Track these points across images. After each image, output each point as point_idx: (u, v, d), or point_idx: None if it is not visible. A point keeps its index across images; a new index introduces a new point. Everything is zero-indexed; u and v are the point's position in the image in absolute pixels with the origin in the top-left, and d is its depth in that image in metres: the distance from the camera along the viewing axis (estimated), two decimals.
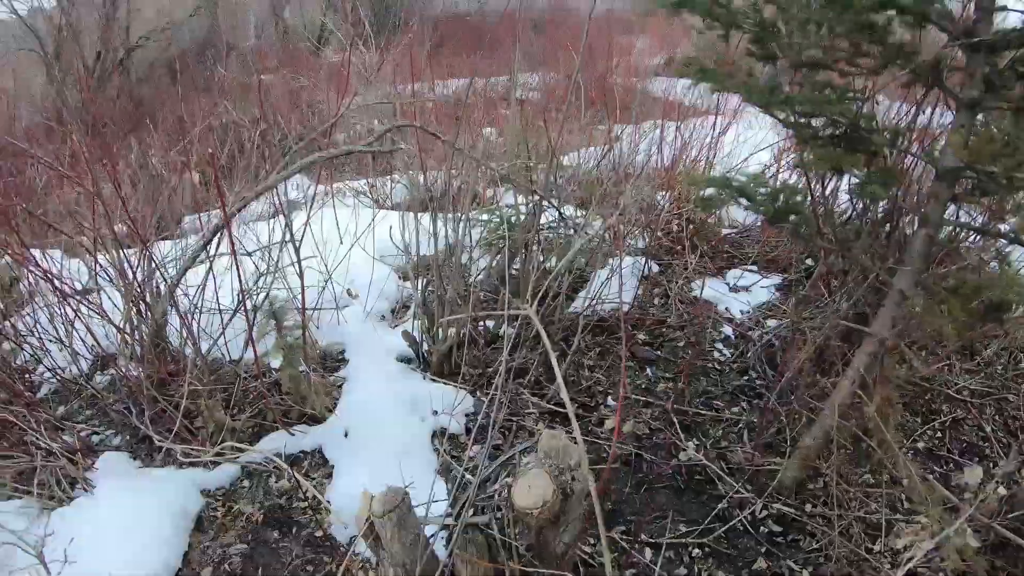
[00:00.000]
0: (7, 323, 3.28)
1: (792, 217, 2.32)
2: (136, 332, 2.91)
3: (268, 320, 2.70)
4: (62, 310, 3.04)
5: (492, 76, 10.37)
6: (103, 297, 3.02)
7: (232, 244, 2.40)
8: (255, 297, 2.88)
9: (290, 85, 10.28)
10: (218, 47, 19.80)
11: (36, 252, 3.13)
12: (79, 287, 3.18)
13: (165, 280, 2.91)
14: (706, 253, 4.34)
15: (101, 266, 3.02)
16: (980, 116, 2.09)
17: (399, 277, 3.89)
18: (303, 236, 3.02)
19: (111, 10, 16.57)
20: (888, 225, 2.71)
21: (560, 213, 3.59)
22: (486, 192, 4.92)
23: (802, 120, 2.10)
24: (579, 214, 3.86)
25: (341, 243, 3.92)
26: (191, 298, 2.96)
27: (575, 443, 1.77)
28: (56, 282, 2.81)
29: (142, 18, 17.92)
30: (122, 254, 2.83)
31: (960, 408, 3.13)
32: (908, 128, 2.45)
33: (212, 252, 2.95)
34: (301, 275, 2.75)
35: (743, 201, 2.27)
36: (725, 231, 4.76)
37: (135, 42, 16.90)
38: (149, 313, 2.86)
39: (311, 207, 3.24)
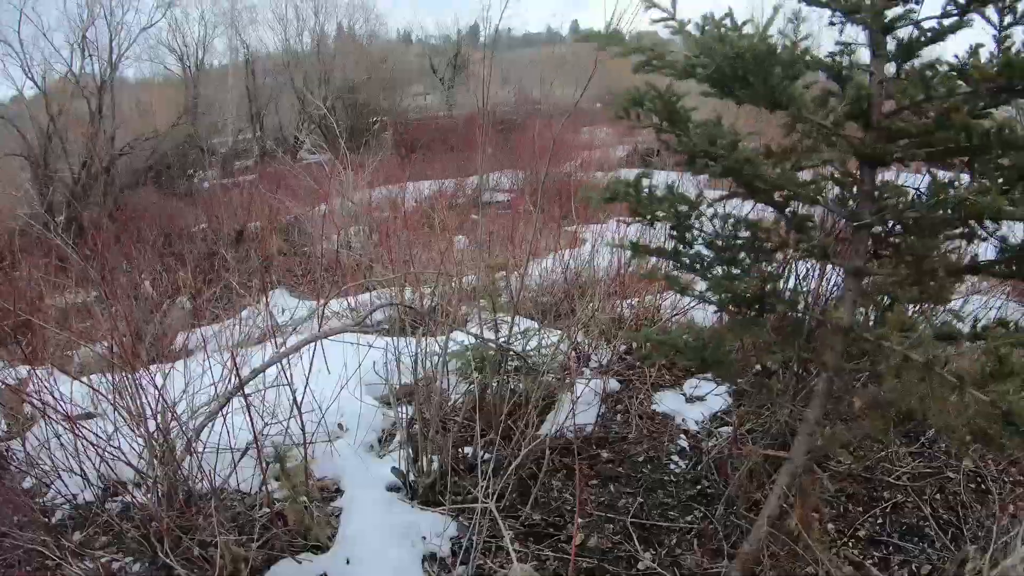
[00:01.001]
0: (19, 448, 3.61)
1: (717, 366, 2.77)
2: (152, 468, 3.26)
3: (275, 463, 3.10)
4: (70, 436, 3.30)
5: (463, 176, 10.92)
6: (104, 421, 3.37)
7: (247, 404, 2.81)
8: (262, 440, 3.27)
9: (269, 200, 10.77)
10: (199, 151, 20.46)
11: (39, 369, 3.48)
12: (80, 410, 3.53)
13: (179, 424, 3.30)
14: (664, 364, 4.78)
15: (98, 389, 3.39)
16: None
17: (383, 405, 4.29)
18: (292, 374, 3.44)
19: (98, 119, 17.15)
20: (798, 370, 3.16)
21: (522, 358, 4.02)
22: (460, 309, 5.35)
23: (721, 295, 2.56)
24: (542, 331, 4.34)
25: (329, 372, 4.33)
26: (204, 441, 3.34)
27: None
28: (60, 406, 3.17)
29: (127, 126, 18.57)
30: (134, 383, 3.20)
31: (900, 493, 3.52)
32: (809, 292, 2.93)
33: (223, 400, 3.34)
34: (303, 426, 3.15)
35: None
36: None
37: (120, 150, 17.50)
38: (168, 457, 3.23)
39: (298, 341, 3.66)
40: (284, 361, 3.47)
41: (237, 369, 3.02)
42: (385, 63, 23.94)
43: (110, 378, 3.49)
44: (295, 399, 3.24)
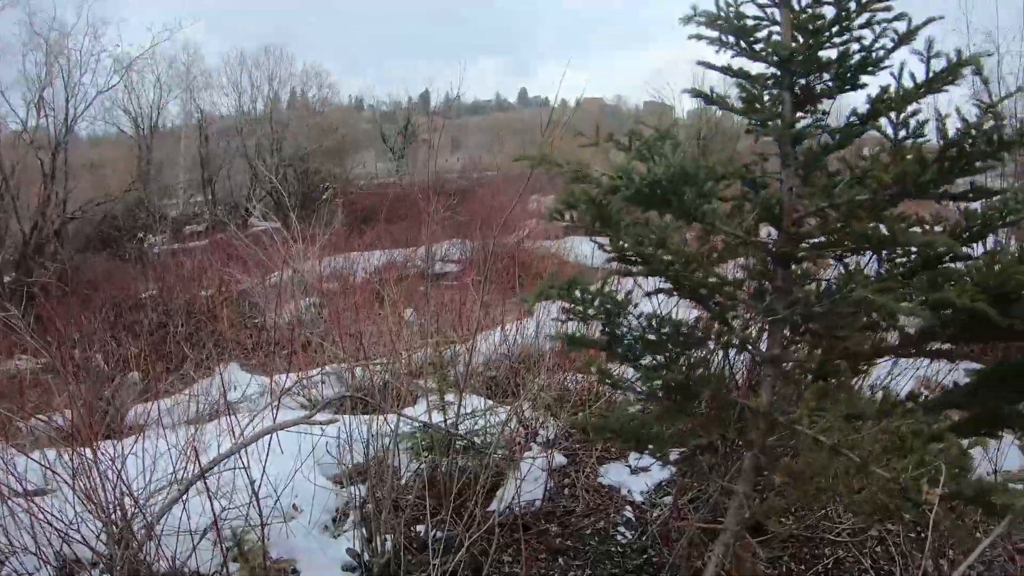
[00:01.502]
0: None
1: (652, 446, 2.97)
2: (111, 549, 3.31)
3: (233, 546, 3.19)
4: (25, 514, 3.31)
5: (413, 246, 11.09)
6: (60, 499, 3.40)
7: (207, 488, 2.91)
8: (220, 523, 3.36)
9: (220, 270, 10.80)
10: (150, 215, 20.41)
11: None
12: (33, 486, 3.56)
13: (138, 506, 3.37)
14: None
15: (53, 468, 3.42)
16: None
17: (337, 484, 4.39)
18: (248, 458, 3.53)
19: (50, 182, 17.08)
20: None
21: (469, 440, 4.18)
22: (409, 387, 5.49)
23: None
24: (490, 409, 4.50)
25: (282, 452, 4.42)
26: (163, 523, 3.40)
27: None
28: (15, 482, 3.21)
29: (79, 188, 18.51)
30: (90, 462, 3.26)
31: (841, 549, 3.71)
32: (733, 376, 3.15)
33: (183, 488, 3.42)
34: (259, 510, 3.25)
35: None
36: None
37: (72, 214, 17.41)
38: (128, 539, 3.30)
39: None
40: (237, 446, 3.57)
41: (197, 455, 3.12)
42: (337, 131, 24.28)
43: (65, 455, 3.53)
44: (252, 485, 3.34)
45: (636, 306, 2.65)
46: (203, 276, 11.92)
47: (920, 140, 2.52)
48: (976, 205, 2.78)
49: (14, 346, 7.88)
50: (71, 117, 18.05)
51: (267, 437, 3.71)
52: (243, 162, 23.38)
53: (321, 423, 3.90)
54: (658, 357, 2.77)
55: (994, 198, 2.82)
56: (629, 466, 4.74)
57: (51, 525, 3.26)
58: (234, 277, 10.70)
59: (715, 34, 2.77)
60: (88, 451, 3.41)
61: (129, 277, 14.14)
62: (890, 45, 2.72)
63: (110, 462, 3.33)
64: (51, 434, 4.14)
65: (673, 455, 3.51)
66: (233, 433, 3.93)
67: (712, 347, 2.80)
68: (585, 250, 7.36)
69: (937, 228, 2.81)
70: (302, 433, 4.29)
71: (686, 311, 3.39)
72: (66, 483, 3.43)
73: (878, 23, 2.70)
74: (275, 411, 5.10)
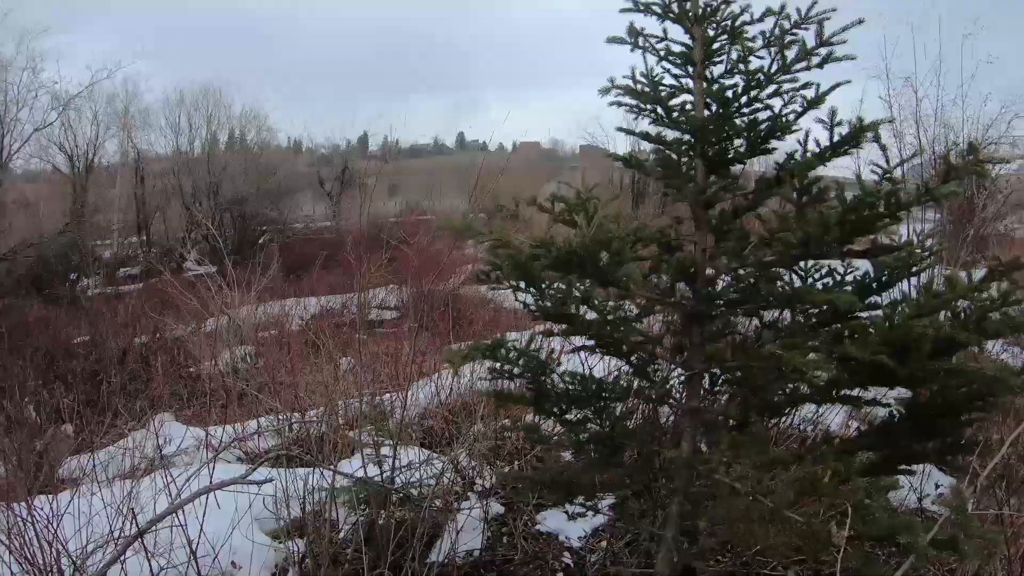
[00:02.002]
0: None
1: (582, 496, 3.06)
2: None
3: None
4: None
5: (349, 293, 11.07)
6: None
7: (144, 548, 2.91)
8: None
9: (154, 317, 10.66)
10: (83, 257, 20.00)
11: None
12: None
13: (74, 564, 3.33)
14: None
15: None
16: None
17: (275, 540, 4.37)
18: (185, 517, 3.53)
19: None
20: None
21: (404, 492, 4.23)
22: (346, 438, 5.50)
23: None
24: (426, 459, 4.55)
25: (219, 507, 4.40)
26: None
27: None
28: None
29: (12, 230, 18.08)
30: (24, 519, 3.22)
31: None
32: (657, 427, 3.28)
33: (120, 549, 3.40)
34: (198, 570, 3.25)
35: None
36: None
37: (3, 255, 17.00)
38: None
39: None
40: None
41: (135, 515, 3.11)
42: (275, 174, 24.19)
43: None
44: (190, 545, 3.34)
45: (560, 364, 2.76)
46: (137, 323, 11.73)
47: (822, 204, 2.69)
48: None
49: None
50: (6, 154, 17.70)
51: (206, 495, 3.70)
52: (179, 204, 23.07)
53: (259, 482, 3.91)
54: (583, 411, 2.88)
55: (899, 252, 3.00)
56: (567, 512, 4.80)
57: None
58: (168, 324, 10.55)
59: (633, 102, 2.92)
60: (22, 508, 3.38)
61: (62, 323, 13.83)
62: (800, 110, 2.91)
63: (46, 520, 3.30)
64: None
65: (608, 501, 3.62)
66: (169, 491, 3.90)
67: (633, 401, 2.92)
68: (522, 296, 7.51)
69: (849, 277, 3.01)
70: (239, 492, 4.29)
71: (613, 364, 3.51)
72: (1, 542, 3.39)
73: (786, 92, 2.89)
74: (212, 467, 5.08)
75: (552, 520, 4.69)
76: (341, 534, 4.18)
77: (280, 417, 5.68)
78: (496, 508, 4.81)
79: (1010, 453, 4.64)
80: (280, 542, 4.38)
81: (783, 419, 4.23)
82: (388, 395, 5.58)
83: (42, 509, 3.40)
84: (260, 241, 21.41)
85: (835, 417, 5.05)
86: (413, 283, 9.16)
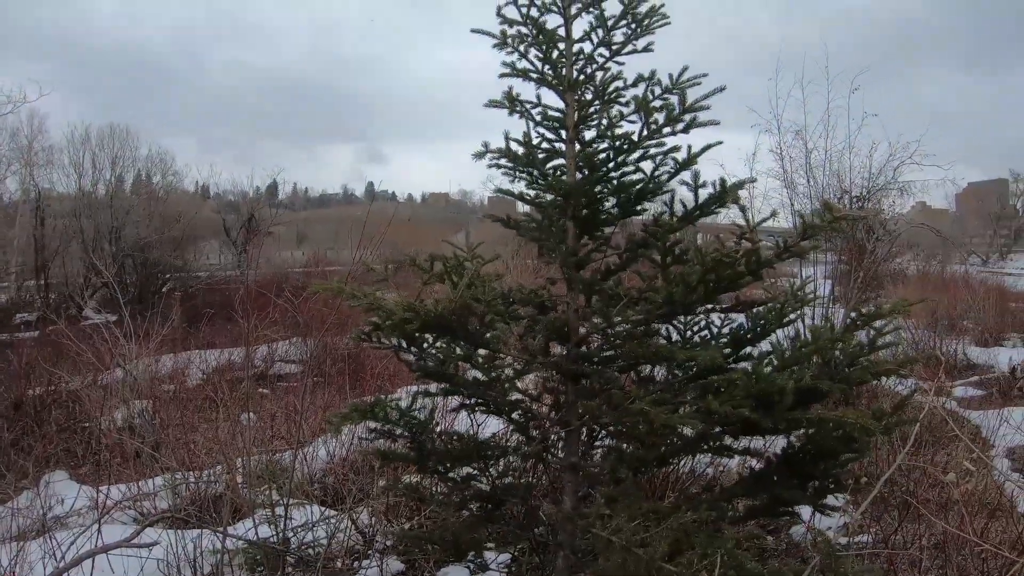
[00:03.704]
0: None
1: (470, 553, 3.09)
2: None
3: None
4: None
5: (252, 345, 10.79)
6: None
7: None
8: None
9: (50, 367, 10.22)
10: None
11: None
12: None
13: None
14: None
15: None
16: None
17: None
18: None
19: None
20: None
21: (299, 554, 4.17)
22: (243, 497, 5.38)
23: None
24: (324, 516, 4.49)
25: (113, 572, 4.25)
26: None
27: None
28: None
29: None
30: None
31: None
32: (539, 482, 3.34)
33: None
34: None
35: None
36: None
37: None
38: None
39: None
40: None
41: None
42: (180, 220, 23.59)
43: None
44: None
45: (437, 425, 2.80)
46: (31, 373, 11.24)
47: (685, 264, 2.81)
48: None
49: None
50: None
51: (91, 559, 3.58)
52: (80, 248, 22.25)
53: (145, 545, 3.81)
54: (466, 469, 2.91)
55: (768, 304, 3.14)
56: (468, 566, 4.78)
57: None
58: (64, 377, 10.13)
59: (510, 165, 3.01)
60: None
61: None
62: (671, 171, 3.02)
63: None
64: None
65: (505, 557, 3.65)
66: (55, 555, 3.74)
67: (515, 457, 2.97)
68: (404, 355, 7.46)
69: (726, 329, 3.14)
70: (127, 556, 4.16)
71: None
72: None
73: (654, 156, 3.01)
74: (99, 528, 4.92)
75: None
76: None
77: (176, 476, 5.52)
78: (396, 566, 4.76)
79: (902, 485, 4.87)
80: None
81: (669, 467, 4.32)
82: (287, 453, 5.48)
83: None
84: (163, 289, 20.83)
85: (733, 460, 5.17)
86: (314, 335, 9.01)
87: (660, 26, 3.21)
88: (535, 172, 3.01)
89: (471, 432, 2.91)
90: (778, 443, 3.19)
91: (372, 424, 2.88)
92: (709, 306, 2.89)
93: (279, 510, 4.38)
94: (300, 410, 4.70)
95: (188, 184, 30.29)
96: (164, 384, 8.79)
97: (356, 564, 4.41)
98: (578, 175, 2.98)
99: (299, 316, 8.91)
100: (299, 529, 4.32)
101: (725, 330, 3.18)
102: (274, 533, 4.26)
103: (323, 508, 4.88)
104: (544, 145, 3.08)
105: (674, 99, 3.02)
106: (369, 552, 4.81)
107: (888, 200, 12.55)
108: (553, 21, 3.21)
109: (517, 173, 3.02)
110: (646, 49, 3.23)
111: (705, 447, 3.04)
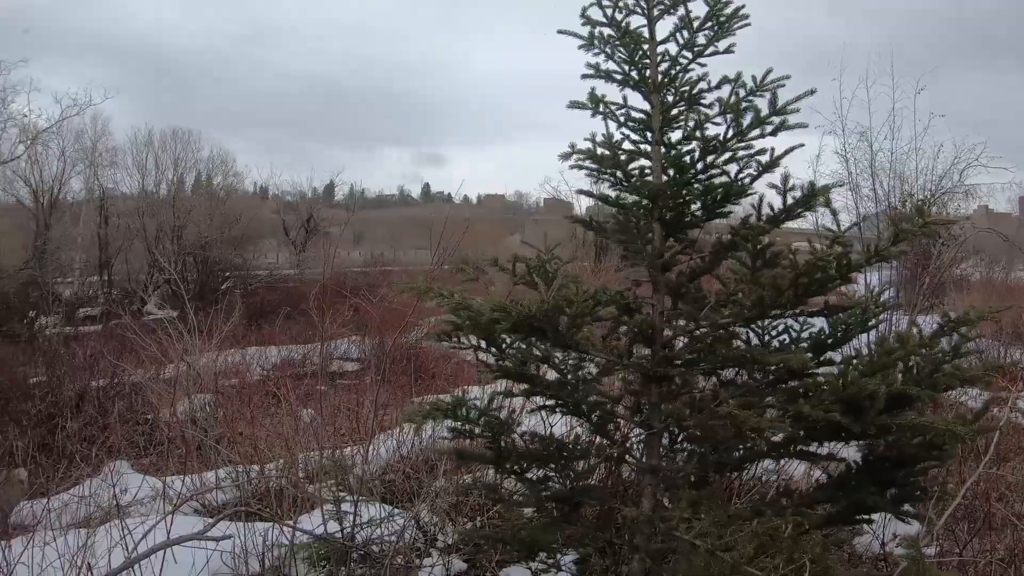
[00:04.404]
0: None
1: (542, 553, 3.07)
2: None
3: None
4: None
5: (311, 343, 10.91)
6: None
7: None
8: None
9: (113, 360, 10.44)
10: (43, 295, 19.61)
11: None
12: None
13: None
14: None
15: None
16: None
17: None
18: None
19: None
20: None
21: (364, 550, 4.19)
22: (306, 491, 5.43)
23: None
24: (388, 514, 4.51)
25: (176, 562, 4.32)
26: None
27: None
28: None
29: None
30: None
31: None
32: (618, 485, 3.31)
33: None
34: None
35: None
36: None
37: None
38: None
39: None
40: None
41: (90, 569, 3.06)
42: (240, 220, 23.99)
43: None
44: None
45: (519, 425, 2.79)
46: (95, 366, 11.50)
47: (776, 268, 2.75)
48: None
49: None
50: None
51: (164, 556, 3.64)
52: (143, 246, 22.75)
53: (216, 539, 3.86)
54: (544, 470, 2.90)
55: (854, 308, 3.08)
56: (530, 568, 4.77)
57: None
58: (127, 370, 10.35)
59: (594, 166, 2.99)
60: None
61: (17, 361, 13.50)
62: (755, 174, 2.98)
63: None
64: None
65: (572, 558, 3.62)
66: (125, 544, 3.81)
67: (594, 459, 2.95)
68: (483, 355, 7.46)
69: (805, 334, 3.08)
70: (196, 547, 4.22)
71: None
72: None
73: (741, 158, 2.97)
74: (170, 521, 5.01)
75: None
76: None
77: (239, 470, 5.59)
78: (459, 565, 4.77)
79: (969, 496, 4.74)
80: None
81: (744, 472, 4.26)
82: (349, 449, 5.52)
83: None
84: (223, 287, 21.17)
85: (797, 468, 5.09)
86: (375, 335, 9.05)
87: (740, 27, 3.18)
88: (619, 174, 2.98)
89: (550, 433, 2.89)
90: (848, 450, 3.13)
91: (450, 423, 2.88)
92: (796, 310, 2.84)
93: (345, 506, 4.42)
94: (374, 405, 4.71)
95: (247, 185, 30.82)
96: (226, 379, 8.93)
97: (418, 561, 4.43)
98: (663, 177, 2.95)
99: (374, 315, 8.95)
100: (363, 525, 4.34)
101: (805, 335, 3.12)
102: (340, 529, 4.29)
103: (385, 505, 4.90)
104: (627, 146, 3.06)
105: (758, 101, 2.99)
106: (430, 550, 4.83)
107: (953, 204, 12.27)
108: (635, 22, 3.20)
109: (601, 175, 2.99)
110: (727, 51, 3.19)
111: (788, 452, 2.99)
